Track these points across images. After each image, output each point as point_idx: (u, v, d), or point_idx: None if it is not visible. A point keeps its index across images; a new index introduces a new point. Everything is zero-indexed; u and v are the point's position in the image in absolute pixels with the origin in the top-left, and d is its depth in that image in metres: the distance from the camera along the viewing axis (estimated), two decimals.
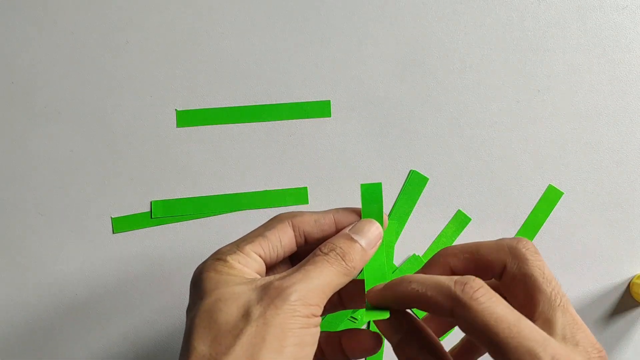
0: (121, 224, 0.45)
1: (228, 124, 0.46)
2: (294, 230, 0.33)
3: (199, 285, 0.30)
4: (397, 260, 0.46)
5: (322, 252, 0.31)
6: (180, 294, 0.45)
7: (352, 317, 0.45)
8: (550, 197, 0.46)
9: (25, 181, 0.45)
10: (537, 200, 0.46)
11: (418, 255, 0.45)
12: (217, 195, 0.45)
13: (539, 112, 0.46)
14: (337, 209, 0.34)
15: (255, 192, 0.45)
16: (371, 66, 0.46)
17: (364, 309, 0.32)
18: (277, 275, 0.30)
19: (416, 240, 0.46)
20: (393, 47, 0.46)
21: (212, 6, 0.46)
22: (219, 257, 0.31)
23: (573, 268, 0.46)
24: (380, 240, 0.33)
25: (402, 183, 0.46)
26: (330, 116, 0.46)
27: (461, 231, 0.46)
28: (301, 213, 0.33)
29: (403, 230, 0.46)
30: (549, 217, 0.46)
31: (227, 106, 0.46)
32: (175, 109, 0.46)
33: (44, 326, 0.45)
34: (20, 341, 0.45)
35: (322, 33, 0.46)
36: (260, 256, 0.32)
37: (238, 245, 0.32)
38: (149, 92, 0.46)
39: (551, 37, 0.46)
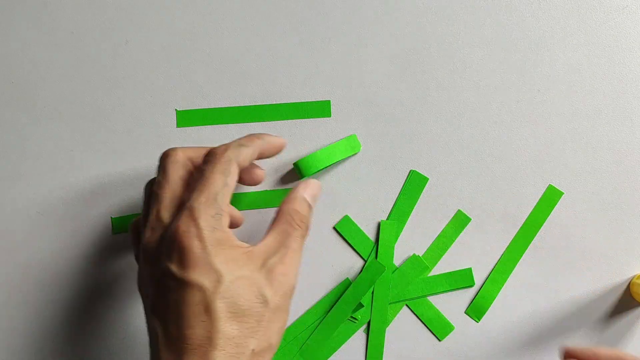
0: (121, 224, 0.45)
1: (228, 124, 0.46)
2: (238, 169, 0.36)
3: (208, 260, 0.32)
4: (397, 260, 0.46)
5: (298, 225, 0.36)
6: None
7: (352, 317, 0.45)
8: (550, 197, 0.46)
9: (25, 181, 0.45)
10: (537, 200, 0.46)
11: (418, 255, 0.45)
12: None
13: (539, 112, 0.46)
14: (260, 138, 0.38)
15: (252, 192, 0.45)
16: (371, 66, 0.46)
17: None
18: (267, 250, 0.35)
19: (416, 240, 0.46)
20: (393, 47, 0.46)
21: (212, 6, 0.46)
22: (211, 222, 0.33)
23: (573, 268, 0.46)
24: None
25: (402, 183, 0.46)
26: (330, 116, 0.46)
27: (461, 231, 0.46)
28: (241, 150, 0.36)
29: (403, 230, 0.46)
30: (549, 217, 0.46)
31: (227, 106, 0.46)
32: (175, 109, 0.46)
33: (44, 326, 0.45)
34: (20, 341, 0.45)
35: (322, 33, 0.46)
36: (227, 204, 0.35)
37: (216, 200, 0.33)
38: (149, 92, 0.46)
39: (551, 37, 0.46)
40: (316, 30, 0.46)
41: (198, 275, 0.32)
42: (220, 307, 0.32)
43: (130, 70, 0.46)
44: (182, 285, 0.32)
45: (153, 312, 0.34)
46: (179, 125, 0.46)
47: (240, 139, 0.37)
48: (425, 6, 0.46)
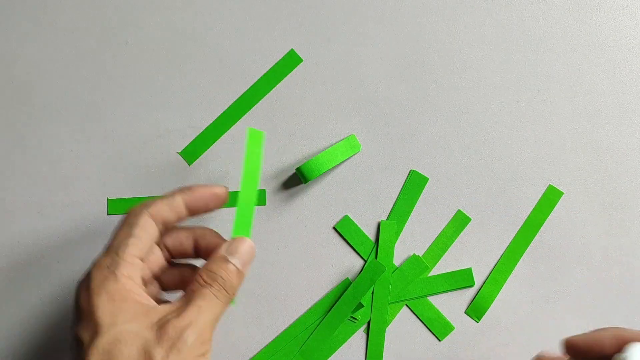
0: None
1: (231, 125, 0.46)
2: (154, 221, 0.33)
3: (91, 311, 0.30)
4: (397, 260, 0.46)
5: (205, 282, 0.32)
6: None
7: (352, 317, 0.45)
8: (550, 197, 0.46)
9: (25, 181, 0.45)
10: (537, 200, 0.46)
11: (418, 255, 0.45)
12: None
13: (539, 112, 0.46)
14: (182, 190, 0.35)
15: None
16: (371, 66, 0.46)
17: None
18: (169, 309, 0.31)
19: (416, 240, 0.46)
20: (393, 47, 0.46)
21: (212, 6, 0.46)
22: (104, 272, 0.31)
23: (573, 268, 0.46)
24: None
25: (402, 183, 0.46)
26: (301, 61, 0.46)
27: (461, 231, 0.46)
28: (154, 201, 0.34)
29: (403, 230, 0.46)
30: (549, 217, 0.46)
31: (226, 108, 0.46)
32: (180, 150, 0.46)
33: (44, 326, 0.45)
34: (20, 341, 0.45)
35: (322, 33, 0.46)
36: (138, 257, 0.32)
37: (117, 252, 0.32)
38: (149, 92, 0.46)
39: (551, 37, 0.46)
40: (316, 31, 0.46)
41: (80, 329, 0.30)
42: None
43: (130, 70, 0.46)
44: (71, 343, 0.30)
45: None
46: (183, 155, 0.46)
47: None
48: (425, 6, 0.46)
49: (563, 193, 0.46)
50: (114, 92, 0.46)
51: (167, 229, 0.35)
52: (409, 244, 0.46)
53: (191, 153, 0.45)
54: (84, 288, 0.31)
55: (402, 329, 0.45)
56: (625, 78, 0.46)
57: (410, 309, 0.45)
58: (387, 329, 0.45)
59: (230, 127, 0.46)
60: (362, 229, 0.46)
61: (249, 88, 0.46)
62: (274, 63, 0.46)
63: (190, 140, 0.46)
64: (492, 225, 0.46)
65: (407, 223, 0.46)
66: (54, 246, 0.45)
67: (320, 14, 0.46)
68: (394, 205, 0.46)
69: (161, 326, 0.29)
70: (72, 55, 0.46)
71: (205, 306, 0.31)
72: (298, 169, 0.44)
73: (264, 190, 0.46)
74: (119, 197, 0.45)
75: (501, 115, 0.46)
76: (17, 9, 0.46)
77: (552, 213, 0.46)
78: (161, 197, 0.34)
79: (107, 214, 0.45)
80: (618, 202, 0.46)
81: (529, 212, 0.46)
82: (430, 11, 0.46)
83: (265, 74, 0.46)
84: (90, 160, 0.45)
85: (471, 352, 0.46)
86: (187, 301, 0.31)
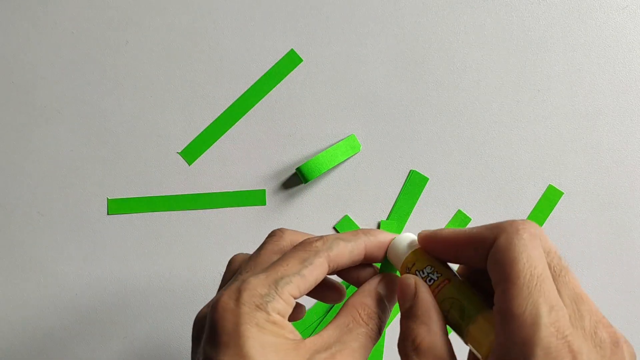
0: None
1: (231, 125, 0.46)
2: (329, 266, 0.30)
3: (239, 341, 0.27)
4: None
5: (363, 320, 0.30)
6: (181, 295, 0.45)
7: None
8: (550, 197, 0.46)
9: (25, 181, 0.45)
10: (537, 200, 0.46)
11: None
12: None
13: (539, 112, 0.46)
14: (366, 234, 0.32)
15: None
16: (371, 66, 0.46)
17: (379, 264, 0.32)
18: (320, 344, 0.28)
19: None
20: (393, 47, 0.46)
21: (212, 6, 0.46)
22: (257, 303, 0.28)
23: (573, 268, 0.46)
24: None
25: (402, 183, 0.46)
26: (302, 63, 0.46)
27: None
28: (336, 242, 0.31)
29: (403, 230, 0.46)
30: (549, 217, 0.46)
31: (226, 108, 0.46)
32: (179, 151, 0.46)
33: (44, 326, 0.45)
34: (20, 341, 0.45)
35: (322, 33, 0.46)
36: (294, 297, 0.29)
37: (276, 286, 0.28)
38: (149, 92, 0.46)
39: (551, 37, 0.46)
40: (316, 31, 0.46)
41: (221, 354, 0.27)
42: None
43: (130, 70, 0.46)
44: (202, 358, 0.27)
45: None
46: (182, 155, 0.46)
47: (341, 233, 0.32)
48: (425, 6, 0.46)
49: (563, 193, 0.46)
50: (114, 92, 0.46)
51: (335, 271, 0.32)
52: None
53: (191, 153, 0.45)
54: (230, 310, 0.27)
55: None
56: (625, 78, 0.46)
57: None
58: (387, 329, 0.45)
59: (230, 127, 0.46)
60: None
61: (249, 88, 0.46)
62: (274, 63, 0.46)
63: (190, 140, 0.46)
64: None
65: (407, 223, 0.46)
66: (54, 246, 0.45)
67: (320, 14, 0.46)
68: (394, 205, 0.46)
69: None
70: (72, 55, 0.46)
71: (359, 349, 0.29)
72: (298, 169, 0.44)
73: (264, 190, 0.46)
74: (119, 197, 0.45)
75: (501, 115, 0.46)
76: (17, 9, 0.46)
77: (552, 213, 0.46)
78: (345, 238, 0.31)
79: (107, 214, 0.45)
80: (618, 202, 0.46)
81: (529, 212, 0.46)
82: (430, 11, 0.46)
83: (265, 74, 0.46)
84: (90, 160, 0.45)
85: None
86: (338, 339, 0.29)
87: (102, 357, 0.45)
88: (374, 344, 0.30)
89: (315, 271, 0.29)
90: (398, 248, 0.30)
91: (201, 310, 0.31)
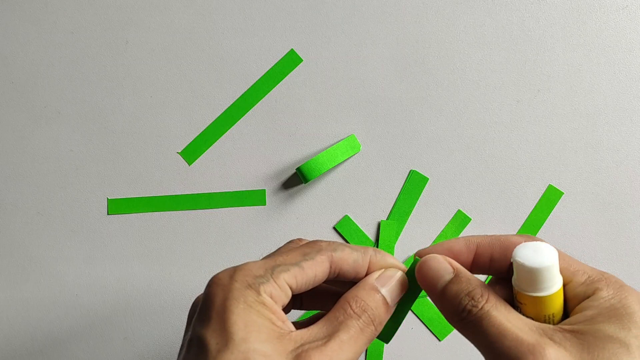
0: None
1: (231, 125, 0.46)
2: (330, 266, 0.30)
3: (225, 317, 0.26)
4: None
5: (354, 311, 0.29)
6: (181, 295, 0.45)
7: None
8: (550, 197, 0.46)
9: (25, 181, 0.45)
10: (537, 200, 0.46)
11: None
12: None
13: (539, 112, 0.46)
14: (375, 252, 0.31)
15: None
16: (371, 66, 0.46)
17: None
18: (307, 337, 0.27)
19: (416, 240, 0.46)
20: (393, 47, 0.46)
21: (212, 6, 0.46)
22: (250, 282, 0.27)
23: None
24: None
25: (402, 183, 0.46)
26: (303, 62, 0.46)
27: (461, 231, 0.46)
28: (342, 247, 0.30)
29: (403, 230, 0.46)
30: (549, 217, 0.46)
31: (226, 108, 0.46)
32: (178, 151, 0.46)
33: (44, 326, 0.45)
34: (20, 341, 0.45)
35: (322, 33, 0.46)
36: (291, 287, 0.29)
37: (272, 271, 0.28)
38: (149, 92, 0.46)
39: (551, 37, 0.46)
40: (316, 31, 0.46)
41: (208, 330, 0.26)
42: None
43: (130, 70, 0.46)
44: (191, 340, 0.27)
45: None
46: (183, 155, 0.46)
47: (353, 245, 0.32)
48: (425, 6, 0.46)
49: (563, 193, 0.46)
50: (114, 92, 0.46)
51: (338, 277, 0.31)
52: (409, 244, 0.46)
53: (191, 153, 0.45)
54: (222, 286, 0.27)
55: (402, 329, 0.45)
56: (625, 78, 0.46)
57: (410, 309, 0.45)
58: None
59: (230, 127, 0.46)
60: (362, 229, 0.46)
61: (249, 88, 0.46)
62: (274, 63, 0.46)
63: (190, 140, 0.46)
64: (492, 225, 0.46)
65: (407, 223, 0.46)
66: (54, 246, 0.45)
67: (320, 14, 0.46)
68: (394, 205, 0.46)
69: (298, 356, 0.26)
70: (72, 55, 0.46)
71: (348, 341, 0.28)
72: (298, 169, 0.44)
73: (264, 190, 0.46)
74: (119, 197, 0.45)
75: (501, 115, 0.46)
76: (17, 9, 0.46)
77: (552, 213, 0.46)
78: (353, 247, 0.31)
79: (107, 214, 0.45)
80: (618, 202, 0.46)
81: (529, 212, 0.46)
82: (430, 11, 0.46)
83: (265, 74, 0.46)
84: (90, 160, 0.45)
85: (471, 352, 0.46)
86: (328, 331, 0.28)
87: (102, 357, 0.45)
88: (369, 339, 0.29)
89: (316, 267, 0.29)
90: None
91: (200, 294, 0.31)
